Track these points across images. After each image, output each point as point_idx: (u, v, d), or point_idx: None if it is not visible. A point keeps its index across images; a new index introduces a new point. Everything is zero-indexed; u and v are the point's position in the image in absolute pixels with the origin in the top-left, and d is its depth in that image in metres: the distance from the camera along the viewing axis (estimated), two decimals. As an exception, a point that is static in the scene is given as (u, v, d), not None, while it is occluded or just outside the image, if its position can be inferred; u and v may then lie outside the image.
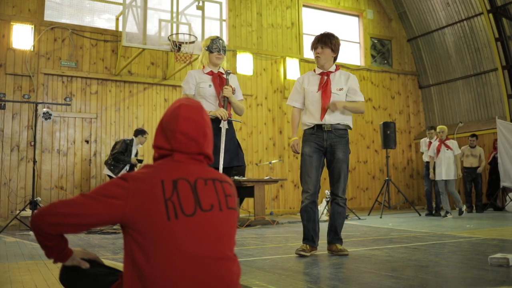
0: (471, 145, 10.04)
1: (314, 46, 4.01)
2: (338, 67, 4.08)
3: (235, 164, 3.93)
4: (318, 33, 4.10)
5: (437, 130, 8.64)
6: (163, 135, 1.65)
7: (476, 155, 10.00)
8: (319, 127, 3.92)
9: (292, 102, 4.13)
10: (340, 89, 3.94)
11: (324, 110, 3.88)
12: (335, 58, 4.05)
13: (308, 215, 3.89)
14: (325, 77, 3.97)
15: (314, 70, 4.09)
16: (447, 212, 8.29)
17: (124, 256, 1.54)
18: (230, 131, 3.94)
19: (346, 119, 3.96)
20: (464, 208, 8.51)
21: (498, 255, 3.12)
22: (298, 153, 4.03)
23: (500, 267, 3.00)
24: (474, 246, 4.23)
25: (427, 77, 12.92)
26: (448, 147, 8.43)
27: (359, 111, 4.06)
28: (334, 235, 3.93)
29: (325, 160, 4.02)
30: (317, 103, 3.93)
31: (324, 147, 3.92)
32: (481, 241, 4.62)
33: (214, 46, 3.93)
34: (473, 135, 10.12)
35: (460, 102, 12.12)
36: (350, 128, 4.03)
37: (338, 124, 3.92)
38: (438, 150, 8.49)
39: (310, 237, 3.88)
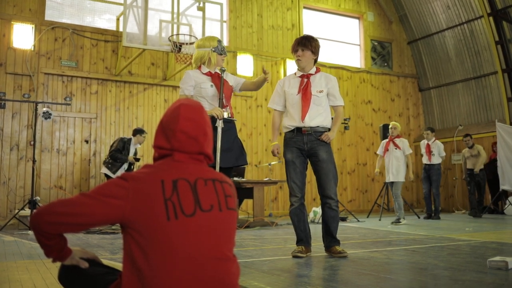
0: (468, 146, 9.66)
1: (295, 49, 4.04)
2: (319, 69, 4.12)
3: (241, 163, 3.95)
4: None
5: (390, 126, 7.93)
6: (163, 135, 1.65)
7: (476, 155, 9.54)
8: (299, 130, 3.94)
9: (273, 105, 4.18)
10: (320, 91, 3.97)
11: (304, 113, 3.90)
12: (315, 60, 4.10)
13: (298, 216, 3.94)
14: (305, 80, 4.00)
15: (295, 73, 4.12)
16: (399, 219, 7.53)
17: (124, 256, 1.53)
18: (233, 130, 3.94)
19: (325, 122, 3.98)
20: (402, 221, 7.53)
21: (497, 258, 3.13)
22: (276, 156, 4.10)
23: (499, 270, 3.00)
24: (473, 249, 4.23)
25: (427, 79, 12.94)
26: (396, 145, 7.68)
27: (341, 120, 4.16)
28: (331, 238, 3.93)
29: (309, 164, 4.05)
30: (297, 106, 3.96)
31: (305, 151, 3.94)
32: (480, 244, 4.62)
33: (221, 48, 3.96)
34: (466, 135, 9.73)
35: (460, 105, 12.14)
36: (329, 130, 4.04)
37: (318, 126, 3.94)
38: (387, 149, 7.79)
39: (303, 238, 3.92)
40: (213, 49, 3.94)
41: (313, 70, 4.06)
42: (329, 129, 4.01)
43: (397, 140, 7.74)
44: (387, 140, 7.93)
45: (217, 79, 3.91)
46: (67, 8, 9.39)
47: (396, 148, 7.69)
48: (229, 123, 3.90)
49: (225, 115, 3.85)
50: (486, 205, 10.14)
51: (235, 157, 3.89)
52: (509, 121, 10.77)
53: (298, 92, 3.98)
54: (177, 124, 1.63)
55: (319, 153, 3.90)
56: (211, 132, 1.72)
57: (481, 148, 9.61)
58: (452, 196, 11.95)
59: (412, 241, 5.07)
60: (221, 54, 3.96)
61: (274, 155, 4.09)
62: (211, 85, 3.88)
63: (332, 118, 4.09)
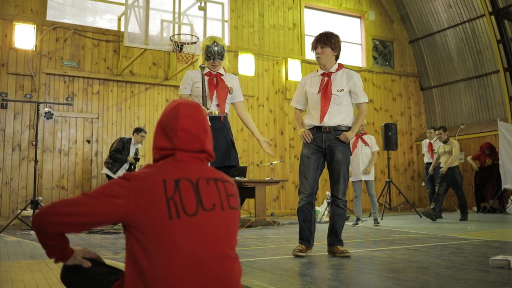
0: (441, 140, 8.33)
1: (314, 46, 4.00)
2: (341, 66, 4.04)
3: (227, 163, 3.75)
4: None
5: None
6: (163, 135, 1.65)
7: (450, 151, 8.16)
8: (319, 128, 3.92)
9: (294, 103, 4.20)
10: (341, 90, 3.91)
11: (323, 113, 3.87)
12: (337, 57, 4.03)
13: (304, 215, 3.91)
14: (326, 78, 3.96)
15: (317, 71, 4.08)
16: (358, 219, 7.26)
17: (126, 255, 1.54)
18: (223, 130, 3.79)
19: (346, 120, 3.93)
20: (379, 218, 7.27)
21: (499, 257, 3.12)
22: (307, 140, 3.93)
23: (501, 269, 3.00)
24: (475, 248, 4.23)
25: (428, 78, 12.92)
26: (365, 142, 7.32)
27: (364, 117, 4.07)
28: (335, 237, 3.92)
29: (325, 161, 4.02)
30: (318, 105, 3.92)
31: (323, 148, 3.91)
32: (482, 243, 4.62)
33: (208, 54, 3.80)
34: (440, 127, 8.44)
35: (462, 104, 12.12)
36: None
37: (338, 125, 3.91)
38: (355, 146, 7.31)
39: (305, 237, 3.90)
40: (203, 52, 3.90)
41: (335, 67, 4.00)
42: (350, 127, 3.96)
43: (365, 137, 7.38)
44: (354, 138, 7.32)
45: (212, 80, 3.84)
46: (69, 8, 9.39)
47: (365, 145, 7.31)
48: (218, 122, 3.76)
49: (216, 113, 3.79)
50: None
51: (222, 157, 3.73)
52: (511, 120, 10.74)
53: (319, 92, 3.94)
54: (177, 122, 1.63)
55: (335, 153, 3.88)
56: (210, 130, 1.72)
57: (456, 145, 8.22)
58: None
59: (414, 240, 5.06)
60: (207, 60, 3.82)
61: (306, 140, 3.92)
62: (205, 84, 3.83)
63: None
